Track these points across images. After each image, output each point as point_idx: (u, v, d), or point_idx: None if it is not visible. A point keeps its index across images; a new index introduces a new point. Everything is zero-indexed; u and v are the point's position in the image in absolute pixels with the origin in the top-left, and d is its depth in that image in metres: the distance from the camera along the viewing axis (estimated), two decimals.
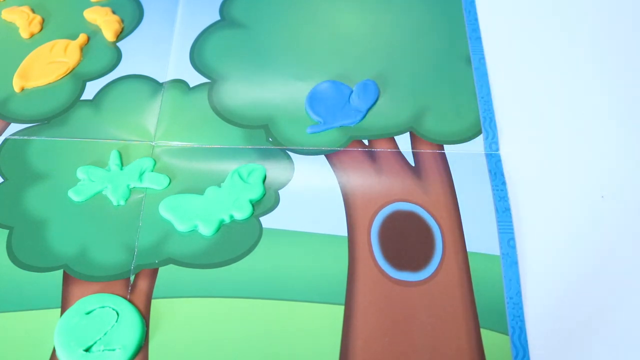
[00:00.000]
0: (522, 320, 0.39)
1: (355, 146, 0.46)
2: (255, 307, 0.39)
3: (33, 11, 0.54)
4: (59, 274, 0.40)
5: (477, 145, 0.46)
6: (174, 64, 0.50)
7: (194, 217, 0.42)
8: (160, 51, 0.51)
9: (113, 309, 0.39)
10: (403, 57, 0.51)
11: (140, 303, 0.39)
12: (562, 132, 0.47)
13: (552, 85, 0.50)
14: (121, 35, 0.53)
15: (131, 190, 0.44)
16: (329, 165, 0.45)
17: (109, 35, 0.52)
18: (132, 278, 0.40)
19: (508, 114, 0.48)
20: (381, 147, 0.46)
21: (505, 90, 0.49)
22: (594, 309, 0.39)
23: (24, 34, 0.52)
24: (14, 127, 0.47)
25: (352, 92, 0.48)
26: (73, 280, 0.40)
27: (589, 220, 0.43)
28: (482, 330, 0.38)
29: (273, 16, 0.53)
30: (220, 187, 0.44)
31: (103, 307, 0.39)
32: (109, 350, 0.37)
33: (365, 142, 0.46)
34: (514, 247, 0.41)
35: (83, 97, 0.49)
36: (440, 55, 0.51)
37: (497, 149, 0.46)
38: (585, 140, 0.47)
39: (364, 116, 0.47)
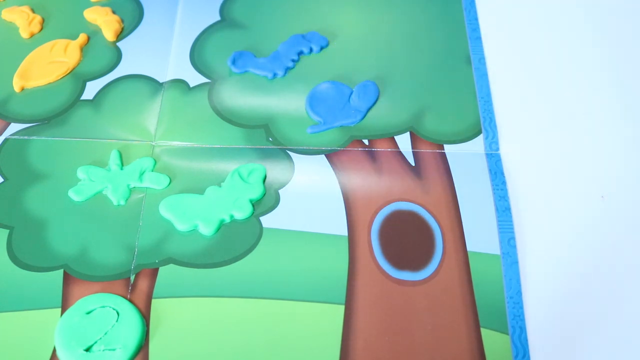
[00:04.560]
0: (523, 320, 0.39)
1: (356, 146, 0.46)
2: (256, 307, 0.39)
3: (33, 11, 0.54)
4: (59, 274, 0.40)
5: (477, 145, 0.46)
6: (174, 64, 0.50)
7: (194, 216, 0.42)
8: (160, 51, 0.51)
9: (113, 309, 0.38)
10: (403, 57, 0.51)
11: (140, 303, 0.39)
12: (562, 132, 0.47)
13: (552, 84, 0.50)
14: (121, 35, 0.53)
15: (131, 190, 0.44)
16: (329, 165, 0.45)
17: (109, 35, 0.52)
18: (132, 278, 0.40)
19: (508, 114, 0.48)
20: (381, 147, 0.46)
21: (505, 90, 0.49)
22: (594, 309, 0.39)
23: (24, 34, 0.52)
24: (14, 127, 0.47)
25: (352, 92, 0.48)
26: (73, 280, 0.40)
27: (589, 219, 0.43)
28: (482, 329, 0.38)
29: (273, 16, 0.53)
30: (220, 186, 0.44)
31: (103, 306, 0.39)
32: (110, 350, 0.37)
33: (366, 141, 0.46)
34: (514, 247, 0.41)
35: (83, 97, 0.49)
36: (440, 55, 0.51)
37: (497, 149, 0.46)
38: (586, 140, 0.47)
39: (364, 116, 0.47)
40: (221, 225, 0.42)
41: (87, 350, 0.37)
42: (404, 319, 0.39)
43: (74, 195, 0.43)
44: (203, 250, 0.41)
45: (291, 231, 0.42)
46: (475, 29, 0.52)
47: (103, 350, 0.37)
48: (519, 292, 0.40)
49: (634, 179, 0.45)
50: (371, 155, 0.45)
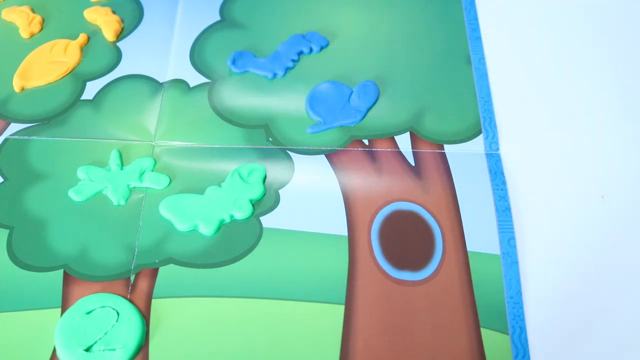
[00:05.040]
0: (523, 320, 0.39)
1: (356, 146, 0.46)
2: (256, 307, 0.39)
3: (33, 11, 0.54)
4: (59, 274, 0.40)
5: (477, 145, 0.46)
6: (174, 64, 0.50)
7: (194, 216, 0.42)
8: (160, 51, 0.51)
9: (113, 309, 0.39)
10: (403, 57, 0.51)
11: (140, 303, 0.39)
12: (562, 132, 0.47)
13: (552, 84, 0.50)
14: (121, 35, 0.53)
15: (131, 190, 0.44)
16: (329, 165, 0.45)
17: (109, 35, 0.52)
18: (132, 278, 0.40)
19: (508, 114, 0.48)
20: (381, 147, 0.46)
21: (505, 90, 0.49)
22: (594, 309, 0.39)
23: (24, 34, 0.52)
24: (14, 127, 0.47)
25: (352, 92, 0.48)
26: (73, 280, 0.40)
27: (589, 220, 0.43)
28: (482, 329, 0.38)
29: (273, 16, 0.53)
30: (220, 186, 0.44)
31: (103, 306, 0.39)
32: (110, 350, 0.37)
33: (366, 141, 0.46)
34: (514, 247, 0.41)
35: (83, 97, 0.49)
36: (440, 55, 0.51)
37: (497, 149, 0.46)
38: (586, 140, 0.47)
39: (364, 116, 0.47)
40: (221, 225, 0.42)
41: (87, 350, 0.37)
42: (404, 319, 0.39)
43: (74, 195, 0.43)
44: (203, 250, 0.41)
45: (291, 231, 0.42)
46: (475, 29, 0.52)
47: (103, 350, 0.37)
48: (519, 292, 0.40)
49: (634, 179, 0.45)
50: (371, 155, 0.45)
